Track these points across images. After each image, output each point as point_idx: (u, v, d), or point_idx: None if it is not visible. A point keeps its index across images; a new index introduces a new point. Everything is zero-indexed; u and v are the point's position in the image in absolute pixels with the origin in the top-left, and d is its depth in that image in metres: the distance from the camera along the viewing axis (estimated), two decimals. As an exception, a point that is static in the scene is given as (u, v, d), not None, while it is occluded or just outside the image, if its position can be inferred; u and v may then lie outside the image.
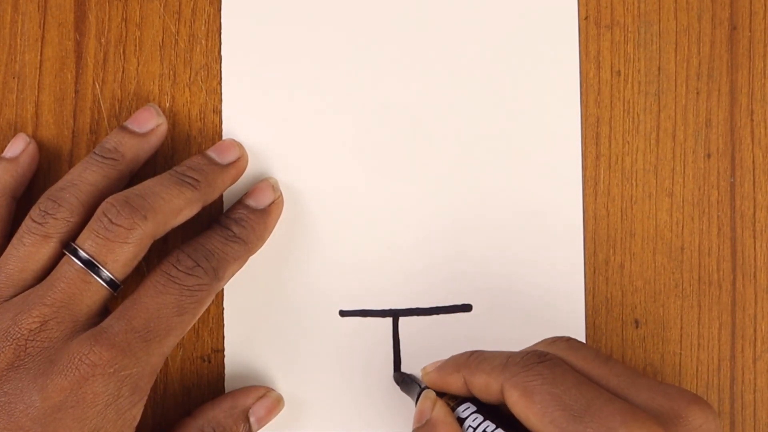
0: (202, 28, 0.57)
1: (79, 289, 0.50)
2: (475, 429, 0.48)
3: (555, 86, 0.57)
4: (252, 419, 0.55)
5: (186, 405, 0.57)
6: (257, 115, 0.57)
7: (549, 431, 0.45)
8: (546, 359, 0.47)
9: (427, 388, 0.52)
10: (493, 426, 0.48)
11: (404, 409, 0.56)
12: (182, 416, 0.56)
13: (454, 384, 0.50)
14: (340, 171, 0.57)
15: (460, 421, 0.49)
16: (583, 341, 0.56)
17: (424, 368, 0.52)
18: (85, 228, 0.51)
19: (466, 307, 0.57)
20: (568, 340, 0.50)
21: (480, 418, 0.49)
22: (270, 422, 0.56)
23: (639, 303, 0.57)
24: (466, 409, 0.50)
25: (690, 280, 0.57)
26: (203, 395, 0.57)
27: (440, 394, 0.51)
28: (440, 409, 0.50)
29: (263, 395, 0.56)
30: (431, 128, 0.57)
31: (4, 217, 0.55)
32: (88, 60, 0.57)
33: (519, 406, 0.46)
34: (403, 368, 0.57)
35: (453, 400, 0.50)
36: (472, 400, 0.50)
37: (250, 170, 0.57)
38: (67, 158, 0.57)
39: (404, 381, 0.55)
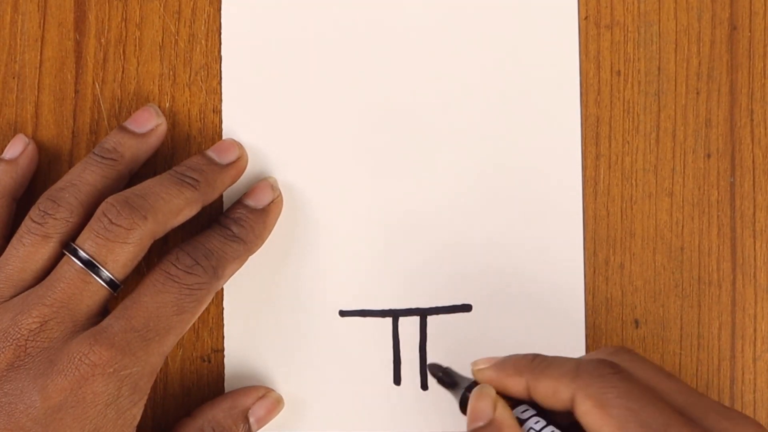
0: (202, 28, 0.57)
1: (78, 289, 0.50)
2: None
3: (555, 86, 0.57)
4: (252, 419, 0.55)
5: (186, 405, 0.57)
6: (257, 115, 0.57)
7: None
8: (619, 371, 0.46)
9: (472, 383, 0.50)
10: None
11: (404, 409, 0.56)
12: (182, 416, 0.56)
13: (514, 386, 0.48)
14: (340, 171, 0.57)
15: (519, 422, 0.47)
16: (583, 340, 0.56)
17: (476, 363, 0.50)
18: (85, 228, 0.51)
19: (466, 307, 0.57)
20: (630, 352, 0.48)
21: (542, 422, 0.47)
22: (270, 422, 0.56)
23: (639, 303, 0.57)
24: (525, 411, 0.48)
25: (690, 280, 0.57)
26: (203, 395, 0.57)
27: None
28: (504, 410, 0.48)
29: (263, 395, 0.56)
30: (431, 128, 0.57)
31: (4, 218, 0.55)
32: (88, 60, 0.57)
33: (592, 417, 0.45)
34: (403, 368, 0.57)
35: (509, 400, 0.49)
36: (528, 402, 0.48)
37: (250, 170, 0.57)
38: (67, 158, 0.57)
39: (445, 372, 0.52)
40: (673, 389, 0.47)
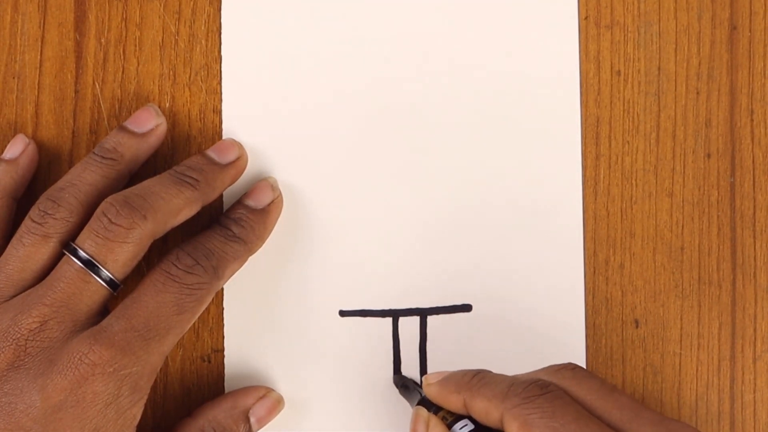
0: (202, 28, 0.57)
1: (78, 288, 0.50)
2: None
3: (555, 86, 0.57)
4: (252, 419, 0.55)
5: (186, 405, 0.57)
6: (257, 115, 0.57)
7: None
8: (547, 391, 0.47)
9: (423, 398, 0.52)
10: None
11: (404, 409, 0.56)
12: (182, 416, 0.56)
13: (454, 403, 0.50)
14: (340, 171, 0.57)
15: None
16: (583, 340, 0.56)
17: (426, 378, 0.52)
18: (85, 228, 0.51)
19: (466, 307, 0.57)
20: (573, 369, 0.49)
21: None
22: (270, 422, 0.56)
23: (639, 303, 0.57)
24: (463, 426, 0.49)
25: (690, 280, 0.57)
26: (203, 395, 0.57)
27: (428, 405, 0.51)
28: (435, 428, 0.50)
29: (263, 395, 0.56)
30: (431, 128, 0.57)
31: (4, 217, 0.55)
32: (88, 60, 0.57)
33: None
34: (403, 368, 0.57)
35: (452, 415, 0.50)
36: (471, 417, 0.50)
37: (250, 170, 0.57)
38: (67, 158, 0.57)
39: (404, 386, 0.55)
40: (613, 405, 0.48)
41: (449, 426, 0.50)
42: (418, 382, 0.56)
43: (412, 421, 0.51)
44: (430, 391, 0.51)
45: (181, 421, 0.55)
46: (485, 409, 0.48)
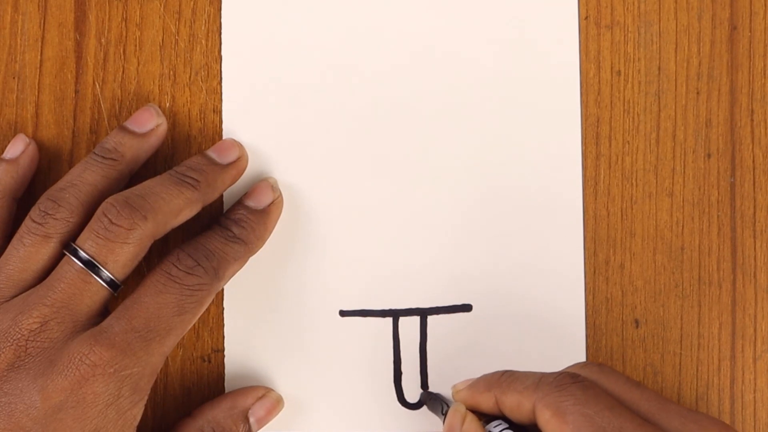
0: (202, 28, 0.57)
1: (79, 289, 0.50)
2: None
3: (555, 86, 0.57)
4: (252, 419, 0.55)
5: (186, 405, 0.57)
6: (257, 115, 0.57)
7: None
8: (579, 380, 0.47)
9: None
10: None
11: (404, 409, 0.56)
12: (182, 416, 0.56)
13: (486, 403, 0.50)
14: (340, 171, 0.57)
15: None
16: (583, 340, 0.56)
17: (455, 386, 0.52)
18: (85, 228, 0.51)
19: (466, 307, 0.57)
20: (599, 365, 0.50)
21: None
22: (270, 422, 0.56)
23: (639, 303, 0.57)
24: (497, 425, 0.49)
25: (690, 280, 0.57)
26: (203, 395, 0.57)
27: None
28: (471, 423, 0.50)
29: (263, 395, 0.56)
30: (431, 128, 0.57)
31: (5, 217, 0.55)
32: (88, 60, 0.57)
33: (551, 425, 0.46)
34: (403, 368, 0.57)
35: (483, 417, 0.50)
36: (503, 418, 0.50)
37: (250, 170, 0.57)
38: (67, 158, 0.57)
39: (432, 399, 0.55)
40: (639, 397, 0.48)
41: (483, 426, 0.50)
42: (420, 381, 0.57)
43: (448, 418, 0.51)
44: (460, 396, 0.51)
45: (181, 421, 0.55)
46: (517, 402, 0.48)
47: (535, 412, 0.47)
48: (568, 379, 0.48)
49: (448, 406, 0.52)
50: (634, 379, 0.49)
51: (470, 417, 0.50)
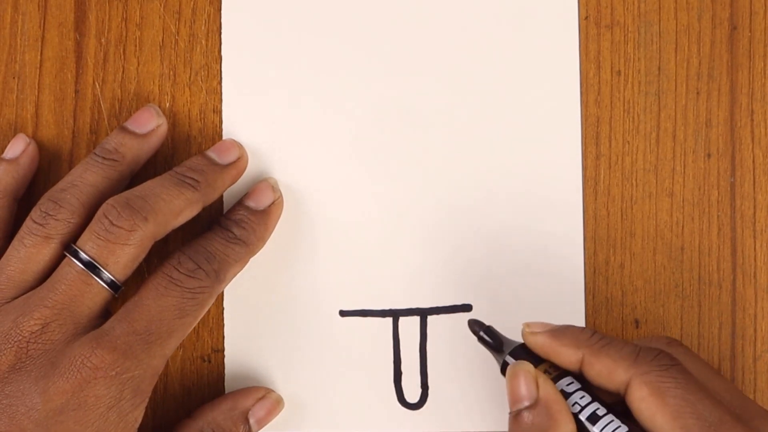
0: (202, 28, 0.57)
1: (80, 290, 0.50)
2: (582, 408, 0.47)
3: (555, 86, 0.57)
4: (252, 420, 0.55)
5: (186, 405, 0.57)
6: (257, 115, 0.57)
7: None
8: (678, 363, 0.47)
9: (517, 347, 0.49)
10: (604, 410, 0.47)
11: (404, 409, 0.56)
12: (182, 417, 0.56)
13: (567, 358, 0.48)
14: (340, 171, 0.57)
15: (563, 394, 0.47)
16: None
17: (529, 326, 0.49)
18: (86, 229, 0.51)
19: (466, 307, 0.57)
20: (683, 346, 0.50)
21: (588, 397, 0.47)
22: (270, 422, 0.56)
23: (639, 303, 0.57)
24: (570, 384, 0.48)
25: (690, 280, 0.57)
26: (203, 395, 0.57)
27: (521, 357, 0.49)
28: (548, 387, 0.48)
29: (263, 396, 0.56)
30: (431, 128, 0.57)
31: (5, 217, 0.55)
32: (88, 60, 0.57)
33: (647, 403, 0.46)
34: (403, 368, 0.57)
35: (554, 369, 0.48)
36: (573, 374, 0.48)
37: (250, 170, 0.57)
38: (67, 158, 0.57)
39: (486, 331, 0.51)
40: (722, 388, 0.48)
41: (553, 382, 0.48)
42: (420, 381, 0.57)
43: (511, 376, 0.48)
44: (538, 341, 0.49)
45: (181, 422, 0.55)
46: (609, 370, 0.47)
47: (630, 386, 0.46)
48: (668, 360, 0.47)
49: (511, 348, 0.49)
50: (713, 368, 0.49)
51: (543, 379, 0.48)
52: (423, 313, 0.57)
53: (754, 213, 0.57)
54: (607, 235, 0.57)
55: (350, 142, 0.57)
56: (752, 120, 0.57)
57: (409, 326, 0.57)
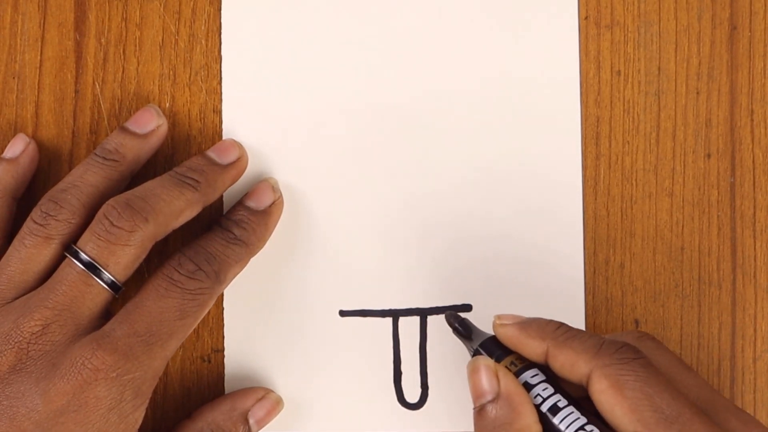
0: (202, 28, 0.57)
1: (80, 291, 0.50)
2: (544, 399, 0.47)
3: (555, 86, 0.57)
4: (251, 421, 0.55)
5: (186, 405, 0.57)
6: (257, 115, 0.57)
7: (635, 429, 0.45)
8: (641, 356, 0.47)
9: (487, 339, 0.50)
10: (564, 402, 0.47)
11: (404, 409, 0.57)
12: (182, 417, 0.56)
13: (532, 350, 0.49)
14: (341, 171, 0.57)
15: (526, 386, 0.48)
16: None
17: (500, 318, 0.50)
18: (87, 230, 0.51)
19: (466, 307, 0.57)
20: (654, 340, 0.50)
21: (550, 389, 0.47)
22: (270, 423, 0.56)
23: (639, 303, 0.57)
24: (534, 376, 0.48)
25: (690, 280, 0.57)
26: (203, 395, 0.57)
27: (491, 349, 0.49)
28: (509, 380, 0.48)
29: (262, 397, 0.56)
30: (431, 128, 0.57)
31: (5, 217, 0.55)
32: (88, 60, 0.57)
33: (606, 396, 0.46)
34: (403, 368, 0.57)
35: (521, 361, 0.49)
36: (539, 366, 0.49)
37: (250, 170, 0.57)
38: (67, 158, 0.57)
39: (460, 323, 0.51)
40: (690, 382, 0.48)
41: (516, 375, 0.48)
42: (420, 381, 0.57)
43: (472, 371, 0.49)
44: (507, 332, 0.49)
45: (180, 423, 0.55)
46: (571, 362, 0.47)
47: (590, 379, 0.47)
48: (631, 353, 0.47)
49: (481, 339, 0.50)
50: (684, 362, 0.49)
51: (504, 372, 0.48)
52: (423, 313, 0.57)
53: (754, 213, 0.57)
54: (607, 234, 0.57)
55: (350, 142, 0.57)
56: (752, 120, 0.57)
57: (409, 326, 0.57)
